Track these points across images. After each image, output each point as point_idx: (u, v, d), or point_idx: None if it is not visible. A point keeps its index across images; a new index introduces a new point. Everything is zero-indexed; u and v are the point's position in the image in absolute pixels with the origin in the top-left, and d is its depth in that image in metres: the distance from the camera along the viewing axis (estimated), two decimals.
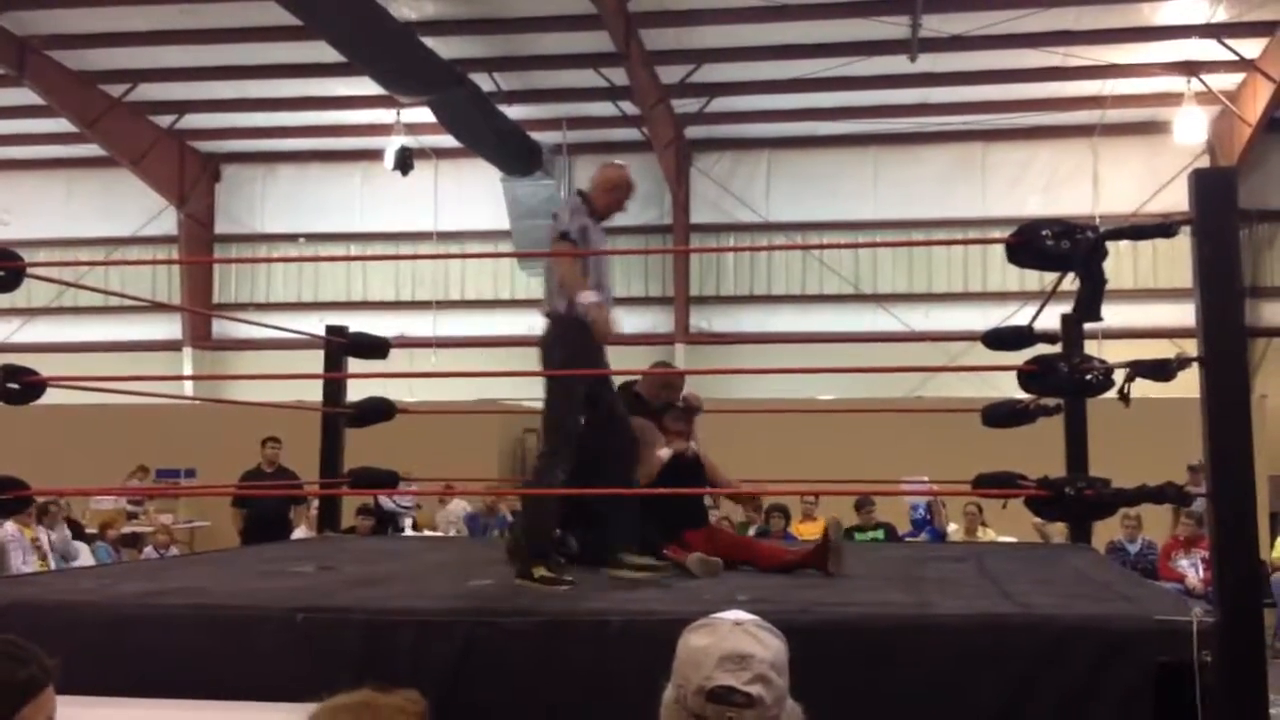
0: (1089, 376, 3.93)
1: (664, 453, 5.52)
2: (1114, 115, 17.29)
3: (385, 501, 12.22)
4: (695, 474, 5.70)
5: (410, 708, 1.95)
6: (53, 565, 9.75)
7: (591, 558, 5.20)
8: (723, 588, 4.62)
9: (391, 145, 17.71)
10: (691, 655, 1.82)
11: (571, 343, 4.83)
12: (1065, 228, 3.99)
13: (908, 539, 10.84)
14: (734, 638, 1.82)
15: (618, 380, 5.93)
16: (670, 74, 16.65)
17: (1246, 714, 3.24)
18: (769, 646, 1.83)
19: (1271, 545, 11.20)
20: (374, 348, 6.85)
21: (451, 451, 11.51)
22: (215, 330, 20.49)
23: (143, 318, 19.92)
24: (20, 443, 10.63)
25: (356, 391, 6.90)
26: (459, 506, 13.10)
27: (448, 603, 4.13)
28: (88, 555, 10.74)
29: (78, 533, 11.35)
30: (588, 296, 4.75)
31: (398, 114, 17.47)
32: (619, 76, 16.01)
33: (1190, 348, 3.60)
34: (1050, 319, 5.84)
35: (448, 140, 17.09)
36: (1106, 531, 10.39)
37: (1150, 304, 16.39)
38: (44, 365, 4.92)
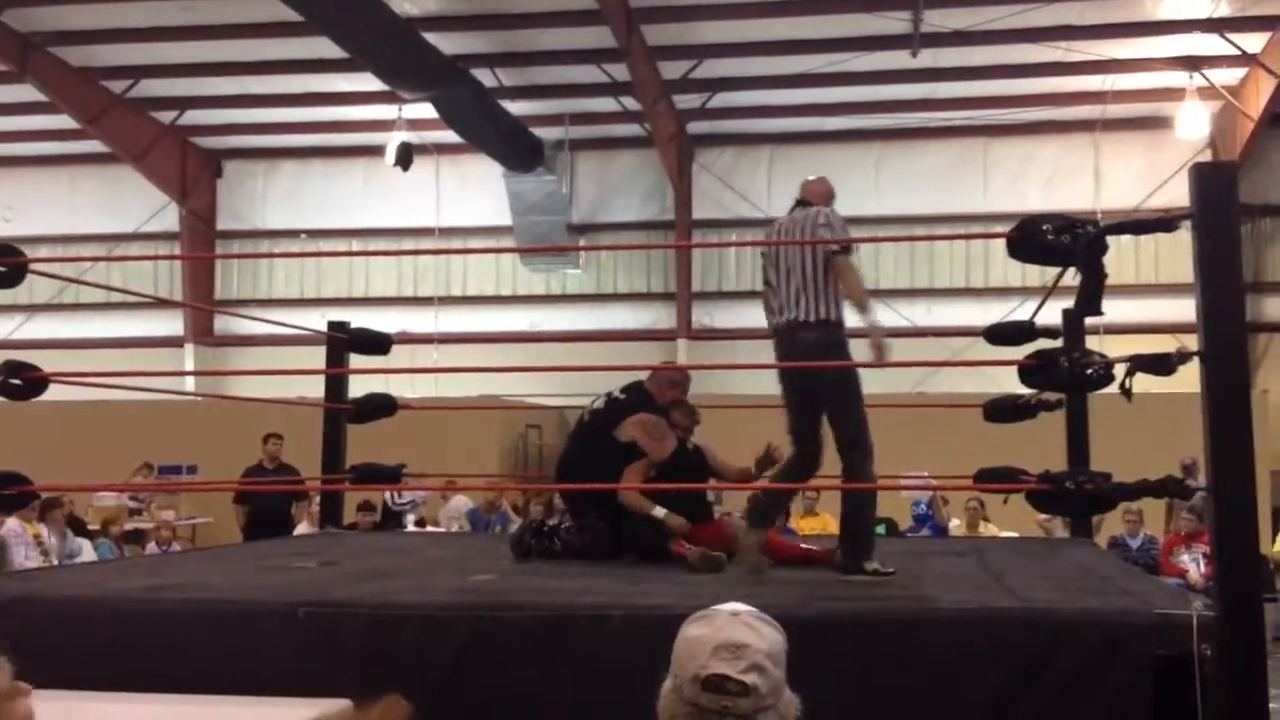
0: (1090, 371, 3.93)
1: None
2: (1116, 110, 17.28)
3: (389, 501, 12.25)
4: (698, 467, 5.75)
5: (397, 710, 1.95)
6: (55, 562, 9.74)
7: (605, 550, 5.28)
8: (724, 581, 4.64)
9: (393, 141, 17.70)
10: (688, 645, 1.83)
11: (849, 348, 4.80)
12: (1066, 222, 4.00)
13: (909, 534, 10.84)
14: (730, 628, 1.83)
15: (626, 378, 5.99)
16: (672, 69, 16.64)
17: (1246, 708, 3.24)
18: (765, 637, 1.83)
19: (1273, 540, 11.19)
20: (376, 344, 6.86)
21: (453, 447, 11.51)
22: (217, 326, 20.49)
23: (145, 314, 19.91)
24: (22, 439, 10.61)
25: (358, 387, 6.91)
26: (461, 502, 13.09)
27: (450, 597, 4.15)
28: (90, 552, 10.73)
29: (80, 529, 11.35)
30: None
31: (399, 110, 17.45)
32: (621, 72, 15.99)
33: (1191, 343, 3.60)
34: (1052, 314, 5.84)
35: (449, 136, 17.09)
36: (1109, 527, 10.40)
37: (1151, 299, 16.38)
38: (46, 361, 4.92)
